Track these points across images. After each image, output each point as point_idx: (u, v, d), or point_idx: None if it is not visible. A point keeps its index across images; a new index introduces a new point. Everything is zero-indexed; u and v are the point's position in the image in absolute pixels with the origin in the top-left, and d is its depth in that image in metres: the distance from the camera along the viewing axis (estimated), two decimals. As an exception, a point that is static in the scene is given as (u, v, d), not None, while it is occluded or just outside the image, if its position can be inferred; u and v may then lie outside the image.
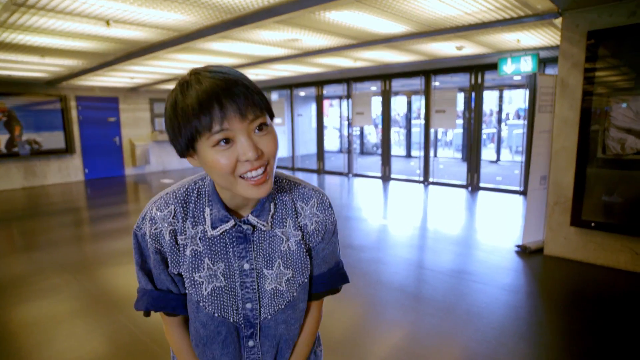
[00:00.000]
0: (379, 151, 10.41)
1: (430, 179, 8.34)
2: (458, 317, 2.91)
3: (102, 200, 7.68)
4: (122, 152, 10.69)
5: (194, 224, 0.82)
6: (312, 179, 9.49)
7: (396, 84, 9.73)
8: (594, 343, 2.59)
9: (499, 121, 11.65)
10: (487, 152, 11.85)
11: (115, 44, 5.01)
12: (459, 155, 12.68)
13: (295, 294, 0.89)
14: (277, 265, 0.87)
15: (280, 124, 11.12)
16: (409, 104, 13.14)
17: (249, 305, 0.86)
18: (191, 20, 4.06)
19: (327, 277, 0.94)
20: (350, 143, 9.87)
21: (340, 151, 13.48)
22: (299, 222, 0.88)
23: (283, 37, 5.01)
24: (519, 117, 14.04)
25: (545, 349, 2.53)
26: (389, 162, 9.06)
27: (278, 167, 0.85)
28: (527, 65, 6.08)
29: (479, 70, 7.33)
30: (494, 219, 5.67)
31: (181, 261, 0.83)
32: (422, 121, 8.41)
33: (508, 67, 6.29)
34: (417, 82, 8.98)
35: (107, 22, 4.00)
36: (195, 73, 0.71)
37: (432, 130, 8.54)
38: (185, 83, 0.70)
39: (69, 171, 9.81)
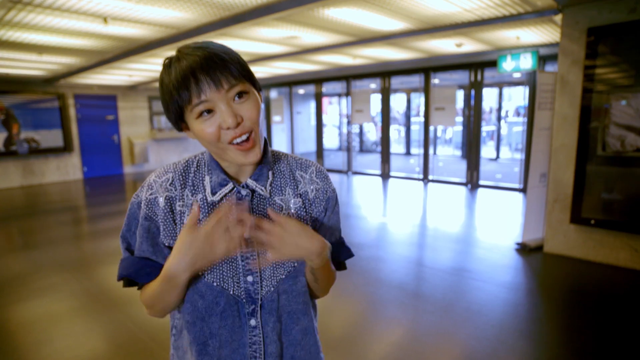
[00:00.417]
0: (379, 149, 10.41)
1: (430, 177, 8.34)
2: (457, 315, 2.91)
3: (100, 198, 7.66)
4: (121, 150, 10.67)
5: (193, 192, 0.84)
6: (312, 177, 9.47)
7: (395, 81, 9.72)
8: (594, 340, 2.58)
9: (499, 118, 11.65)
10: (487, 150, 11.85)
11: (113, 41, 4.99)
12: (458, 152, 12.67)
13: (296, 264, 0.87)
14: None
15: (279, 122, 11.11)
16: (409, 101, 13.13)
17: (250, 278, 0.83)
18: (189, 17, 4.04)
19: (335, 248, 0.94)
20: (349, 141, 9.86)
21: (340, 149, 13.46)
22: (298, 190, 0.89)
23: (282, 35, 4.99)
24: (518, 114, 14.03)
25: (544, 346, 2.53)
26: (388, 160, 9.05)
27: None
28: (526, 62, 6.07)
29: (478, 68, 7.32)
30: (494, 216, 5.67)
31: (178, 231, 0.82)
32: (422, 119, 8.40)
33: (508, 64, 6.28)
34: (417, 80, 8.97)
35: (105, 20, 3.98)
36: (178, 51, 0.77)
37: (431, 128, 8.53)
38: (169, 62, 0.77)
39: (68, 169, 9.79)
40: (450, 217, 5.62)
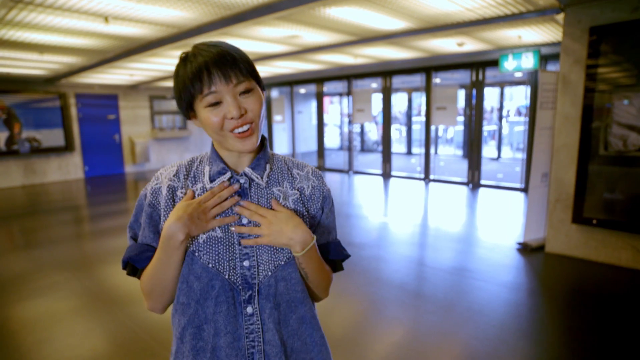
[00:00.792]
0: (380, 148, 10.40)
1: (431, 176, 8.33)
2: (459, 315, 2.90)
3: (101, 197, 7.67)
4: (122, 149, 10.68)
5: (194, 182, 0.90)
6: (313, 177, 9.46)
7: (397, 80, 9.70)
8: (596, 340, 2.58)
9: (500, 118, 11.62)
10: (488, 149, 11.83)
11: (114, 40, 4.99)
12: (459, 152, 12.65)
13: None
14: None
15: (280, 121, 11.10)
16: (410, 101, 13.10)
17: (246, 263, 0.85)
18: (190, 16, 4.03)
19: (331, 247, 0.97)
20: (350, 140, 9.85)
21: (341, 148, 13.46)
22: (295, 185, 0.94)
23: (283, 34, 4.98)
24: (520, 114, 14.00)
25: (546, 347, 2.52)
26: (389, 160, 9.04)
27: None
28: (528, 61, 6.05)
29: (479, 67, 7.30)
30: (495, 216, 5.66)
31: None
32: (423, 118, 8.39)
33: (509, 64, 6.26)
34: (418, 79, 8.96)
35: (106, 19, 3.98)
36: (195, 48, 0.85)
37: (432, 127, 8.52)
38: (186, 57, 0.84)
39: (69, 169, 9.80)
40: (452, 217, 5.61)
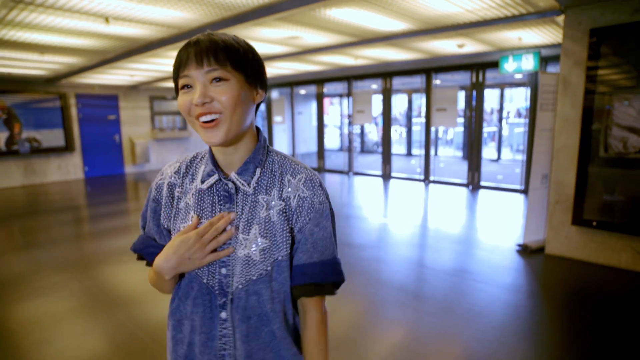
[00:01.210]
0: (380, 149, 10.40)
1: (431, 178, 8.33)
2: (459, 316, 2.90)
3: (101, 198, 7.67)
4: (122, 150, 10.68)
5: (191, 180, 0.92)
6: (313, 177, 9.46)
7: (397, 82, 9.70)
8: (595, 342, 2.57)
9: (500, 119, 11.63)
10: (488, 151, 11.83)
11: (115, 41, 5.00)
12: (459, 153, 12.66)
13: (269, 268, 0.85)
14: (254, 231, 0.85)
15: (280, 122, 11.10)
16: (410, 102, 13.11)
17: (224, 271, 0.86)
18: (191, 17, 4.04)
19: (318, 268, 0.88)
20: (350, 141, 9.85)
21: (341, 149, 13.45)
22: (282, 194, 0.88)
23: (283, 35, 4.99)
24: (520, 115, 14.01)
25: (546, 348, 2.52)
26: (389, 161, 9.04)
27: None
28: (528, 63, 6.06)
29: (480, 69, 7.31)
30: (495, 217, 5.66)
31: (173, 214, 0.91)
32: (423, 119, 8.39)
33: (509, 65, 6.26)
34: (418, 80, 8.96)
35: (107, 19, 3.98)
36: (201, 34, 0.85)
37: (432, 129, 8.52)
38: (188, 42, 0.85)
39: (69, 169, 9.80)
40: (452, 218, 5.61)
